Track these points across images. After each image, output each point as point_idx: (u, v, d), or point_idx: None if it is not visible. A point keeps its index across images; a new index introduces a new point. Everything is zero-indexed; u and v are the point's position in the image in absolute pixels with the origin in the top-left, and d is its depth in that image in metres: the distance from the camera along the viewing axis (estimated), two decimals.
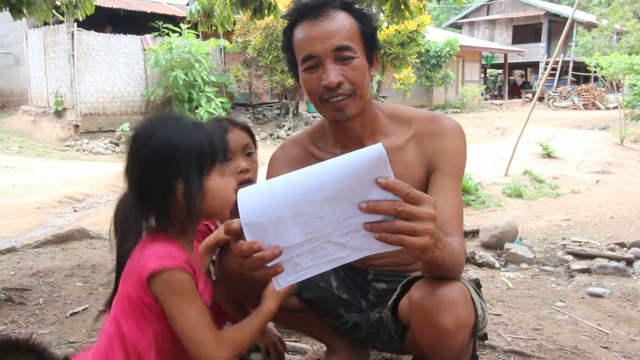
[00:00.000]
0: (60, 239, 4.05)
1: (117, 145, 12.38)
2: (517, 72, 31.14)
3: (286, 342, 2.15)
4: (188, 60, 13.26)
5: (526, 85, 28.72)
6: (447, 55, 19.69)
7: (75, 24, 12.29)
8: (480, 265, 4.13)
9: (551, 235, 5.34)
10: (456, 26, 32.02)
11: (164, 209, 1.18)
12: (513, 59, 27.50)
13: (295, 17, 1.45)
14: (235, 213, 0.99)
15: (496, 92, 28.76)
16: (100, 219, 5.96)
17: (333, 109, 1.45)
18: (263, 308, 1.27)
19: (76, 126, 12.77)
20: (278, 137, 14.03)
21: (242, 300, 1.70)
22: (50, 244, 3.99)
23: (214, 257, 1.61)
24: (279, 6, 4.20)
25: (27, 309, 2.64)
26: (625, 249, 4.57)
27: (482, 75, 27.36)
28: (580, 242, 4.87)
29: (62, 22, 11.98)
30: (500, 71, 29.78)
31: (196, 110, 13.14)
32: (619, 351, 2.34)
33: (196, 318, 1.15)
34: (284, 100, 15.57)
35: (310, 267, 1.02)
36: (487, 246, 4.73)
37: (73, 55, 12.64)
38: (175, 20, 14.18)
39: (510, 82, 28.82)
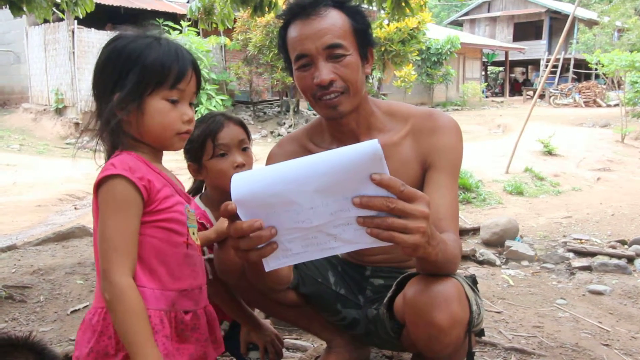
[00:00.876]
0: (61, 237, 4.06)
1: None
2: (518, 69, 31.09)
3: (286, 340, 2.16)
4: None
5: (527, 83, 28.66)
6: (448, 53, 19.65)
7: (76, 21, 12.28)
8: (481, 262, 4.13)
9: (552, 232, 5.34)
10: (457, 23, 31.98)
11: (106, 118, 1.19)
12: (514, 56, 27.46)
13: (289, 16, 1.46)
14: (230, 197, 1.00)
15: (497, 90, 28.72)
16: None
17: (326, 107, 1.46)
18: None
19: (77, 124, 12.75)
20: (279, 135, 14.01)
21: (238, 295, 1.70)
22: (50, 241, 3.99)
23: (211, 256, 1.61)
24: (279, 3, 4.20)
25: (27, 306, 2.64)
26: (626, 246, 4.57)
27: (483, 73, 27.33)
28: (581, 239, 4.86)
29: (62, 19, 11.96)
30: (501, 69, 29.75)
31: (197, 108, 13.12)
32: (619, 348, 2.34)
33: (113, 231, 1.13)
34: (284, 98, 15.55)
35: (300, 253, 1.02)
36: (487, 244, 4.72)
37: (73, 52, 12.64)
38: (175, 17, 14.17)
39: (511, 80, 28.79)
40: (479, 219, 5.69)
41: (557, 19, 27.16)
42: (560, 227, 5.63)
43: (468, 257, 4.15)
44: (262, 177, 0.97)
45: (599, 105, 20.53)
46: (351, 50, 1.43)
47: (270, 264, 1.04)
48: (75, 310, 2.58)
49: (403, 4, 3.91)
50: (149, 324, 1.13)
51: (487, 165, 8.64)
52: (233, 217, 0.99)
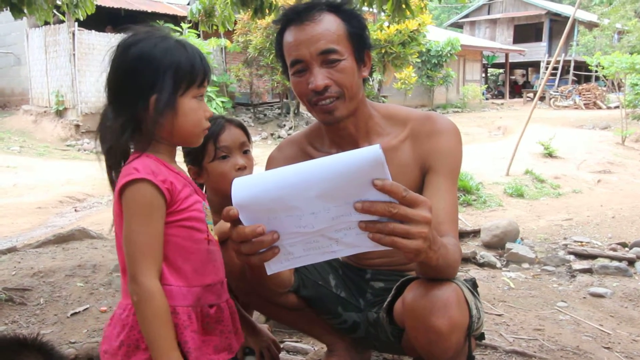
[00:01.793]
0: (61, 239, 4.05)
1: None
2: (518, 71, 31.08)
3: (287, 342, 2.15)
4: None
5: (527, 85, 28.67)
6: (448, 55, 19.66)
7: (76, 23, 12.29)
8: (482, 265, 4.12)
9: (552, 235, 5.34)
10: (457, 25, 32.00)
11: (136, 120, 1.20)
12: (514, 58, 27.46)
13: (284, 22, 1.47)
14: (231, 201, 1.00)
15: (496, 92, 28.73)
16: (101, 219, 5.96)
17: (322, 112, 1.46)
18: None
19: (77, 126, 12.77)
20: (279, 137, 14.01)
21: (238, 296, 1.70)
22: (51, 243, 3.99)
23: None
24: (279, 6, 4.20)
25: (27, 309, 2.64)
26: (627, 248, 4.56)
27: (483, 75, 27.33)
28: (581, 242, 4.86)
29: (62, 21, 12.00)
30: (501, 71, 29.75)
31: None
32: (620, 351, 2.33)
33: (140, 235, 1.15)
34: (284, 100, 15.56)
35: (302, 257, 1.03)
36: (488, 246, 4.71)
37: (74, 54, 12.64)
38: (176, 19, 14.17)
39: (512, 82, 28.79)
40: (480, 221, 5.68)
41: (557, 21, 27.18)
42: (560, 229, 5.62)
43: (468, 260, 4.14)
44: (263, 182, 0.98)
45: (599, 108, 20.53)
46: (346, 55, 1.42)
47: (272, 267, 1.04)
48: (76, 313, 2.57)
49: (403, 6, 3.91)
50: (172, 327, 1.17)
51: (488, 167, 8.64)
52: (235, 221, 0.99)
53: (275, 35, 1.53)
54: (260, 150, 9.58)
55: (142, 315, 1.14)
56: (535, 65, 27.49)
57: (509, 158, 8.46)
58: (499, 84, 29.74)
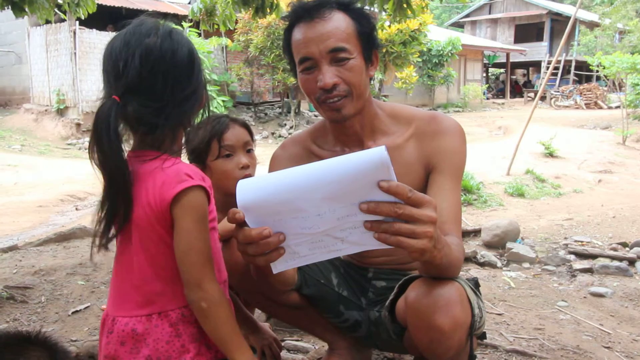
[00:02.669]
0: (62, 237, 4.06)
1: None
2: (519, 71, 31.08)
3: (288, 341, 2.16)
4: None
5: (528, 85, 28.66)
6: (449, 54, 19.66)
7: (77, 22, 12.30)
8: (482, 264, 4.12)
9: (553, 234, 5.33)
10: (458, 25, 31.99)
11: (184, 117, 1.18)
12: (515, 58, 27.45)
13: (293, 19, 1.46)
14: (234, 199, 1.00)
15: (497, 91, 28.71)
16: None
17: (330, 110, 1.46)
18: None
19: (78, 124, 12.77)
20: (280, 136, 14.01)
21: (241, 295, 1.70)
22: (52, 242, 3.99)
23: None
24: (280, 5, 4.20)
25: (29, 307, 2.64)
26: (627, 248, 4.56)
27: (484, 75, 27.32)
28: (582, 241, 4.85)
29: (64, 20, 11.99)
30: (502, 70, 29.73)
31: None
32: (621, 351, 2.33)
33: (201, 242, 1.16)
34: (285, 99, 15.55)
35: (307, 256, 1.04)
36: (489, 245, 4.71)
37: (75, 53, 12.66)
38: (177, 18, 14.16)
39: (512, 82, 28.78)
40: (480, 221, 5.68)
41: (558, 20, 27.17)
42: (561, 229, 5.62)
43: (469, 259, 4.14)
44: (268, 184, 0.97)
45: (600, 107, 20.52)
46: (355, 54, 1.42)
47: (277, 266, 1.05)
48: (77, 311, 2.58)
49: (405, 6, 3.91)
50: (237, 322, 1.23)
51: (488, 167, 8.63)
52: (241, 223, 1.00)
53: (276, 33, 1.52)
54: (261, 149, 9.56)
55: (216, 319, 1.16)
56: (536, 65, 27.49)
57: (509, 158, 8.45)
58: (500, 86, 29.67)
